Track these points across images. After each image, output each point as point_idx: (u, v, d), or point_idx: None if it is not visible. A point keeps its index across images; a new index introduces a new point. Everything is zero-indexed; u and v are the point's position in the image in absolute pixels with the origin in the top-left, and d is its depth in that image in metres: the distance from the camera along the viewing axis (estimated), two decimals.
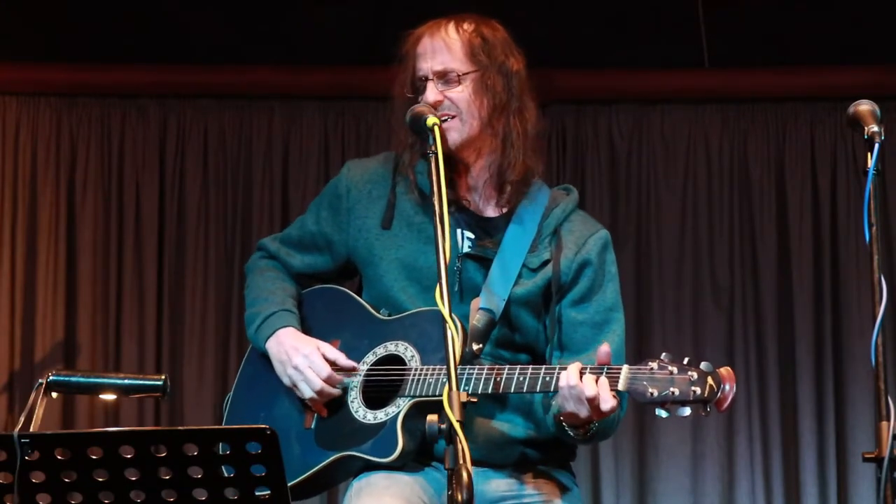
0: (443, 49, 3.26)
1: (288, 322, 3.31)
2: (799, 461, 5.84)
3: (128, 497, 2.63)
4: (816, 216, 6.00)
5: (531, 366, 3.07)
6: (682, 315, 5.96)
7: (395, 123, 3.33)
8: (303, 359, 3.23)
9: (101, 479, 2.62)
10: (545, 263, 3.26)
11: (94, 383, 3.29)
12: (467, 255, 3.24)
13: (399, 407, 3.13)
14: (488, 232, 3.26)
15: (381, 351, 3.23)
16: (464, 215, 3.28)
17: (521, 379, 3.04)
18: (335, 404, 3.24)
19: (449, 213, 3.19)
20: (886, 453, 2.76)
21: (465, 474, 2.63)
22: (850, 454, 5.80)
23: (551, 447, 3.29)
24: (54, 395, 3.18)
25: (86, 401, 5.82)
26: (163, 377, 3.28)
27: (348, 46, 5.66)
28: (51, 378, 3.15)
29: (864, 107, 2.99)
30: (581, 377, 2.96)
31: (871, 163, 2.90)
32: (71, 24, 5.92)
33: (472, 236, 3.26)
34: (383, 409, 3.15)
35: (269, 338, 3.31)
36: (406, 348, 3.20)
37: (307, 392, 3.22)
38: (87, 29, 5.93)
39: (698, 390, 2.83)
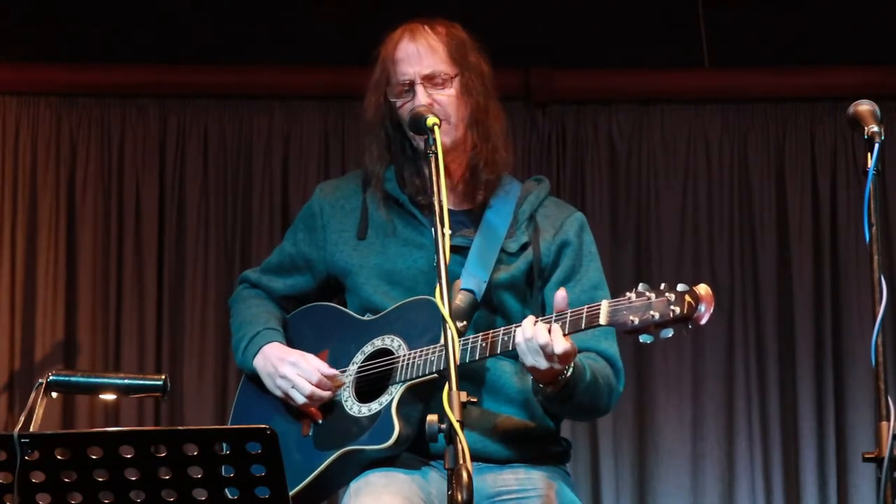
0: (428, 52, 3.29)
1: (272, 338, 3.36)
2: (799, 461, 5.84)
3: (128, 497, 2.63)
4: (816, 216, 6.00)
5: (514, 324, 3.10)
6: None
7: (365, 129, 3.39)
8: (290, 366, 3.27)
9: (101, 479, 2.62)
10: (524, 247, 3.30)
11: (94, 383, 3.29)
12: None
13: (392, 394, 3.16)
14: (464, 224, 3.30)
15: (368, 349, 3.27)
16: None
17: (506, 338, 3.08)
18: (329, 406, 3.26)
19: (423, 214, 3.27)
20: (886, 453, 2.75)
21: (465, 474, 2.64)
22: (850, 454, 5.79)
23: (548, 443, 3.31)
24: (54, 395, 3.18)
25: (86, 401, 5.82)
26: (163, 377, 3.28)
27: (348, 46, 5.65)
28: (51, 378, 3.16)
29: (864, 107, 3.00)
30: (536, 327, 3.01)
31: (871, 163, 2.90)
32: (71, 24, 5.91)
33: (449, 232, 3.27)
34: (377, 400, 3.19)
35: (255, 356, 3.35)
36: (392, 340, 3.23)
37: (299, 398, 3.26)
38: (87, 29, 5.93)
39: (677, 309, 2.84)
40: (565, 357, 2.99)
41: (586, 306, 3.00)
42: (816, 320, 5.93)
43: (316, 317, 3.42)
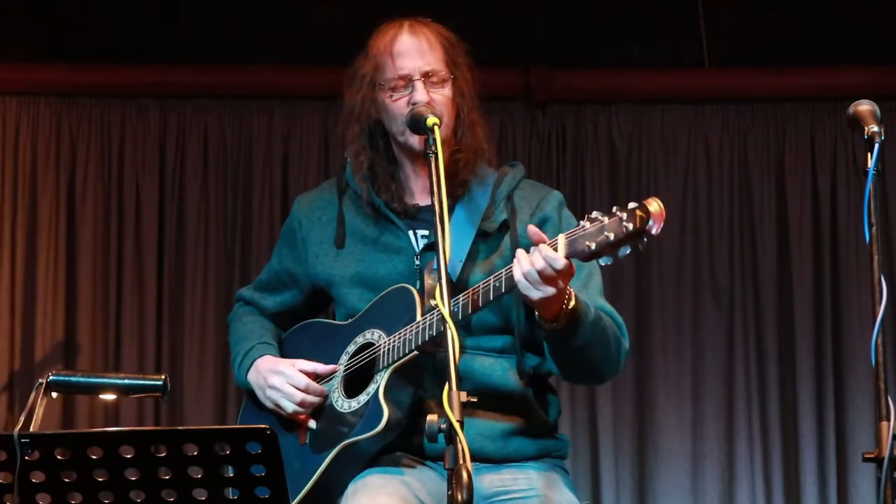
0: (429, 49, 3.29)
1: (265, 352, 3.39)
2: (799, 461, 5.84)
3: (128, 497, 2.63)
4: (816, 216, 6.00)
5: (497, 272, 3.07)
6: (682, 315, 5.96)
7: (348, 120, 3.40)
8: (278, 376, 3.29)
9: (101, 479, 2.63)
10: (503, 227, 3.30)
11: (94, 383, 3.29)
12: (424, 247, 3.28)
13: (378, 382, 3.16)
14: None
15: (351, 347, 3.29)
16: (415, 218, 3.32)
17: (486, 288, 3.05)
18: (322, 410, 3.27)
19: (400, 219, 3.29)
20: (886, 453, 2.75)
21: (465, 474, 2.64)
22: (850, 454, 5.80)
23: (546, 440, 3.31)
24: (54, 395, 3.19)
25: (86, 401, 5.82)
26: (163, 377, 3.29)
27: (348, 46, 5.66)
28: (51, 378, 3.16)
29: (864, 107, 3.00)
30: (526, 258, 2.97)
31: (871, 163, 2.90)
32: (71, 24, 5.92)
33: (426, 232, 3.29)
34: (364, 391, 3.20)
35: (248, 370, 3.38)
36: (372, 333, 3.25)
37: (289, 406, 3.27)
38: (87, 29, 5.93)
39: (630, 226, 2.83)
40: (568, 272, 2.96)
41: (543, 244, 2.97)
42: (816, 320, 5.93)
43: (309, 333, 3.45)
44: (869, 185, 2.87)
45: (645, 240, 2.84)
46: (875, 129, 2.94)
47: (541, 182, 3.53)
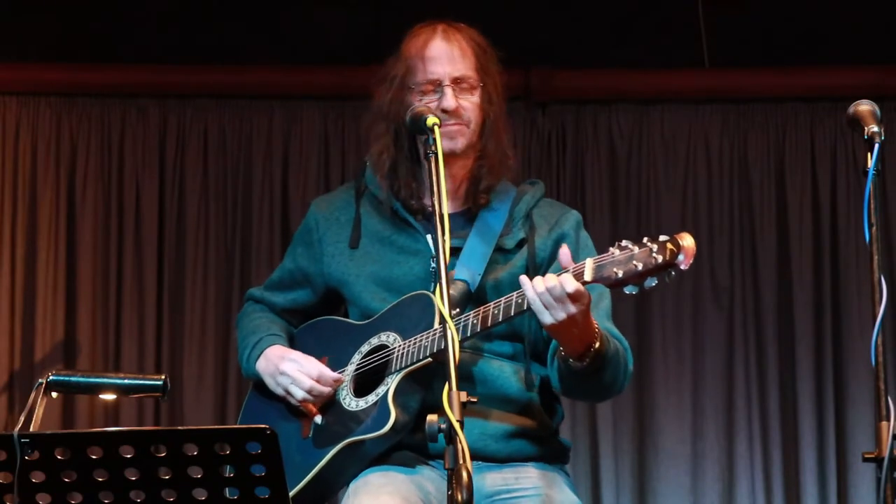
0: (460, 55, 3.32)
1: (274, 342, 3.40)
2: (799, 461, 5.84)
3: (128, 497, 2.63)
4: (816, 216, 6.00)
5: (504, 296, 3.11)
6: (682, 315, 5.96)
7: (375, 120, 3.38)
8: (290, 363, 3.31)
9: (101, 479, 2.63)
10: (521, 244, 3.32)
11: (94, 383, 3.29)
12: None
13: (388, 384, 3.18)
14: (459, 226, 3.31)
15: (365, 348, 3.30)
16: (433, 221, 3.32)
17: (496, 311, 3.09)
18: (329, 406, 3.28)
19: (417, 220, 3.29)
20: (886, 453, 2.75)
21: (465, 474, 2.64)
22: (850, 454, 5.79)
23: (548, 443, 3.32)
24: (54, 395, 3.19)
25: (86, 401, 5.82)
26: (163, 377, 3.29)
27: (348, 46, 5.67)
28: (51, 378, 3.16)
29: (864, 107, 3.00)
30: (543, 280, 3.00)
31: (871, 163, 2.90)
32: (71, 24, 5.92)
33: (448, 237, 3.28)
34: (374, 392, 3.21)
35: (257, 360, 3.38)
36: (388, 335, 3.26)
37: (298, 393, 3.27)
38: (87, 29, 5.93)
39: (659, 258, 2.86)
40: (578, 297, 2.97)
41: (572, 266, 3.00)
42: (816, 320, 5.93)
43: (319, 330, 3.46)
44: (869, 185, 2.87)
45: (672, 273, 2.86)
46: (875, 129, 2.94)
47: (540, 181, 3.53)
